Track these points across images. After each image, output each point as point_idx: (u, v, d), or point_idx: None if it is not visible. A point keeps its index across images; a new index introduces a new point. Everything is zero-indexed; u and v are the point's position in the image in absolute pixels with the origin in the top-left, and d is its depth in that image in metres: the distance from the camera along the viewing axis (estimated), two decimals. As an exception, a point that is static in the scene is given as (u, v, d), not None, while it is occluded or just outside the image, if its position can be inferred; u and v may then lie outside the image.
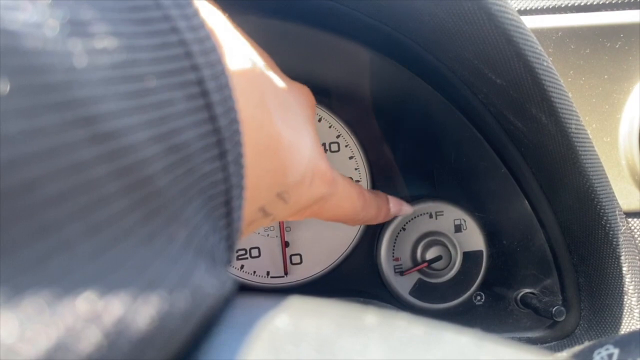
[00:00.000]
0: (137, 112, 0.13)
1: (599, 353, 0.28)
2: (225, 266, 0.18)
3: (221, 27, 0.22)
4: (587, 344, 0.30)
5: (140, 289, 0.12)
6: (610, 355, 0.28)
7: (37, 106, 0.10)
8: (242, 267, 0.53)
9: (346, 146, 0.53)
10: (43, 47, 0.11)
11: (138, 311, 0.12)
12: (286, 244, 0.54)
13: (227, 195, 0.19)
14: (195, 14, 0.17)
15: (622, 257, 0.43)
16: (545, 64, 0.36)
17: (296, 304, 0.16)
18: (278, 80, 0.26)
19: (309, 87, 0.34)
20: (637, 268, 0.43)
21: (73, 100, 0.11)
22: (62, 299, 0.10)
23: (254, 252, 0.54)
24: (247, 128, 0.19)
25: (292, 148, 0.25)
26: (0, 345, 0.09)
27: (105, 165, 0.12)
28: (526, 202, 0.50)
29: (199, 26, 0.17)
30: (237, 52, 0.22)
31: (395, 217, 0.52)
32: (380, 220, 0.45)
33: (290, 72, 0.32)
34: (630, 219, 0.47)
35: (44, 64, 0.11)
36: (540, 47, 0.36)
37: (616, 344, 0.28)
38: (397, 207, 0.47)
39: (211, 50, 0.17)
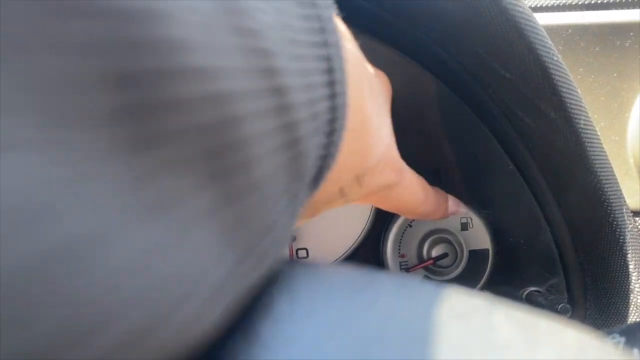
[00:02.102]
0: (295, 73, 0.14)
1: (606, 341, 0.28)
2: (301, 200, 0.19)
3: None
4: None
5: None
6: (617, 343, 0.28)
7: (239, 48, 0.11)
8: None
9: (354, 142, 0.53)
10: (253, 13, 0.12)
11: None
12: (293, 238, 0.54)
13: (322, 162, 0.19)
14: None
15: (629, 256, 0.43)
16: (555, 58, 0.36)
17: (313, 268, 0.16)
18: (370, 67, 0.27)
19: None
20: (643, 266, 0.43)
21: (262, 49, 0.12)
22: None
23: (261, 246, 0.54)
24: (348, 106, 0.20)
25: (375, 132, 0.26)
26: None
27: (273, 119, 0.13)
28: (533, 199, 0.50)
29: (330, 5, 0.18)
30: (345, 32, 0.23)
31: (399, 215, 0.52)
32: (437, 216, 0.46)
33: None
34: (637, 218, 0.47)
35: (250, 25, 0.12)
36: (550, 42, 0.36)
37: (622, 333, 0.28)
38: (455, 206, 0.48)
39: (336, 30, 0.18)
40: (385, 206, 0.37)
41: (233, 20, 0.12)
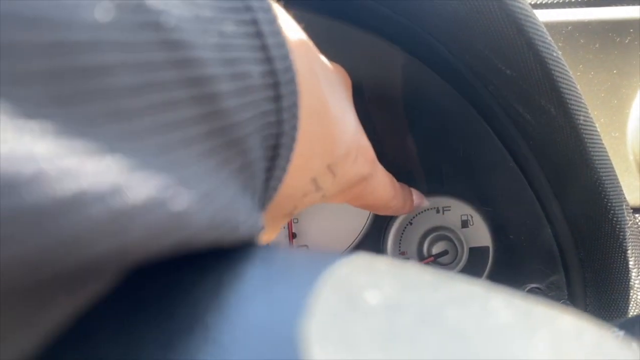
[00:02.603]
0: (202, 34, 0.14)
1: (605, 335, 0.28)
2: (260, 211, 0.19)
3: None
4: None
5: (199, 194, 0.12)
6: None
7: (110, 2, 0.11)
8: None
9: (355, 139, 0.54)
10: None
11: (196, 214, 0.12)
12: (293, 236, 0.54)
13: (277, 140, 0.19)
14: None
15: (629, 252, 0.43)
16: (555, 54, 0.36)
17: (314, 254, 0.16)
18: (324, 58, 0.27)
19: None
20: (643, 263, 0.43)
21: (142, 4, 0.12)
22: (138, 171, 0.11)
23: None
24: (300, 86, 0.20)
25: (338, 119, 0.26)
26: (87, 191, 0.10)
27: (174, 71, 0.13)
28: (533, 196, 0.50)
29: None
30: (285, 17, 0.22)
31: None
32: (404, 211, 0.46)
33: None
34: (637, 215, 0.47)
35: None
36: (550, 38, 0.36)
37: (621, 327, 0.28)
38: (419, 199, 0.48)
39: (263, 8, 0.18)
40: (360, 202, 0.37)
41: (139, 17, 0.12)
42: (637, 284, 0.43)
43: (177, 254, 0.13)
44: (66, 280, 0.10)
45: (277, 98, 0.18)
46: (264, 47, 0.17)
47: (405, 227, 0.54)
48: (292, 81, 0.19)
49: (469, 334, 0.12)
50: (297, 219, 0.54)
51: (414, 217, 0.54)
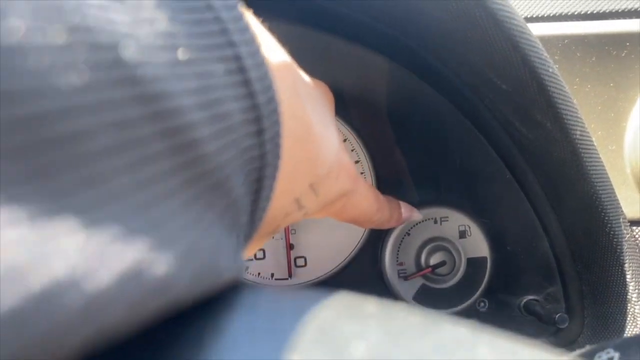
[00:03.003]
0: (181, 79, 0.14)
1: (600, 357, 0.28)
2: (243, 249, 0.19)
3: (249, 15, 0.22)
4: (588, 347, 0.30)
5: (181, 252, 0.12)
6: (610, 359, 0.28)
7: (85, 62, 0.11)
8: (246, 268, 0.54)
9: (352, 150, 0.54)
10: (88, 10, 0.11)
11: (177, 276, 0.12)
12: (291, 247, 0.54)
13: (260, 173, 0.19)
14: None
15: (626, 265, 0.43)
16: (550, 70, 0.36)
17: (301, 295, 0.16)
18: (304, 74, 0.26)
19: None
20: (641, 276, 0.43)
21: (118, 60, 0.12)
22: (114, 243, 0.11)
23: (259, 254, 0.54)
24: (283, 112, 0.20)
25: (321, 139, 0.26)
26: (61, 280, 0.09)
27: (151, 125, 0.12)
28: (530, 208, 0.50)
29: (232, 6, 0.17)
30: (267, 41, 0.22)
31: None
32: (391, 224, 0.46)
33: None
34: (634, 227, 0.47)
35: (90, 25, 0.11)
36: (545, 54, 0.36)
37: (617, 348, 0.28)
38: (408, 212, 0.48)
39: (245, 29, 0.18)
40: (343, 217, 0.37)
41: (114, 74, 0.12)
42: (635, 297, 0.43)
43: (160, 319, 0.13)
44: None
45: (259, 132, 0.18)
46: (246, 82, 0.17)
47: (403, 238, 0.54)
48: (274, 112, 0.19)
49: (454, 384, 0.12)
50: (295, 230, 0.54)
51: (411, 228, 0.54)
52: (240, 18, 0.18)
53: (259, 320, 0.14)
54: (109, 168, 0.11)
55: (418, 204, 0.54)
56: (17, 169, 0.09)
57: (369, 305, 0.15)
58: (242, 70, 0.17)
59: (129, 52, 0.12)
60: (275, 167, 0.20)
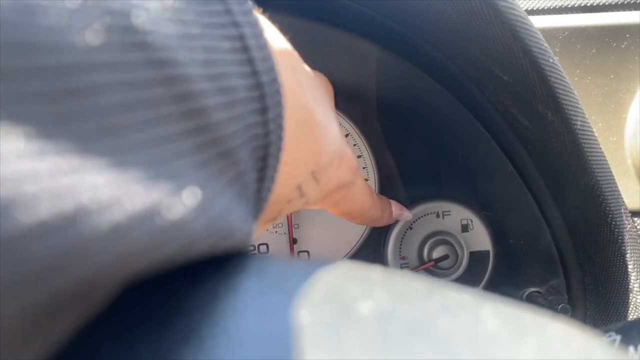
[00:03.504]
0: (189, 50, 0.14)
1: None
2: (252, 218, 0.19)
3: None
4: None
5: (194, 204, 0.13)
6: (612, 342, 0.28)
7: (99, 25, 0.12)
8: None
9: (354, 145, 0.54)
10: None
11: (193, 223, 0.13)
12: (294, 241, 0.54)
13: (265, 151, 0.19)
14: None
15: (628, 256, 0.43)
16: (550, 60, 0.37)
17: (308, 261, 0.17)
18: (306, 67, 0.27)
19: None
20: (642, 266, 0.43)
21: (129, 26, 0.12)
22: (137, 183, 0.11)
23: (262, 249, 0.54)
24: (286, 96, 0.20)
25: (324, 127, 0.26)
26: (88, 205, 0.10)
27: (162, 88, 0.13)
28: (532, 200, 0.50)
29: None
30: (269, 29, 0.23)
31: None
32: (383, 222, 0.46)
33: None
34: (635, 218, 0.47)
35: None
36: (546, 44, 0.36)
37: (618, 331, 0.29)
38: (398, 211, 0.49)
39: (249, 11, 0.18)
40: (340, 209, 0.38)
41: (127, 38, 0.12)
42: (637, 287, 0.43)
43: (174, 265, 0.13)
44: (68, 295, 0.11)
45: (263, 110, 0.18)
46: (250, 61, 0.17)
47: (405, 232, 0.54)
48: (277, 93, 0.19)
49: (458, 342, 0.13)
50: (298, 224, 0.54)
51: (414, 222, 0.54)
52: (244, 1, 0.18)
53: (270, 280, 0.14)
54: (124, 122, 0.12)
55: (420, 198, 0.54)
56: (46, 111, 0.10)
57: (374, 272, 0.15)
58: (245, 49, 0.17)
59: (140, 19, 0.13)
60: (279, 148, 0.21)
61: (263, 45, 0.19)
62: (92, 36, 0.11)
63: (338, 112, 0.53)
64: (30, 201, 0.09)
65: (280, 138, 0.20)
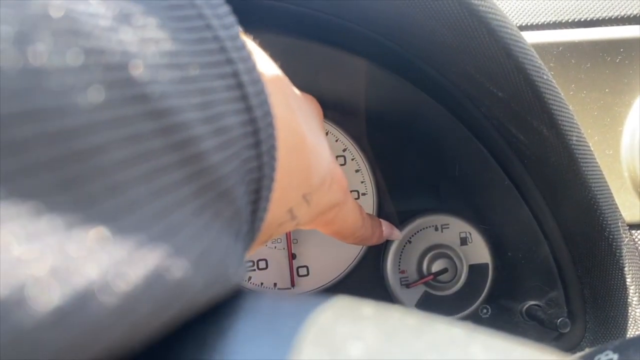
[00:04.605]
0: (186, 95, 0.15)
1: (599, 358, 0.29)
2: (245, 256, 0.19)
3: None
4: (587, 350, 0.30)
5: (194, 258, 0.13)
6: (609, 361, 0.28)
7: (99, 82, 0.12)
8: (249, 278, 0.54)
9: (352, 160, 0.54)
10: (100, 33, 0.12)
11: (192, 279, 0.13)
12: (293, 256, 0.55)
13: (258, 184, 0.20)
14: (226, 14, 0.18)
15: (626, 269, 0.43)
16: (545, 77, 0.37)
17: (300, 299, 0.17)
18: (295, 88, 0.27)
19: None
20: (641, 279, 0.43)
21: (129, 79, 0.13)
22: (137, 249, 0.12)
23: (262, 264, 0.54)
24: (277, 125, 0.21)
25: (314, 149, 0.27)
26: (96, 281, 0.10)
27: (161, 139, 0.13)
28: (530, 214, 0.50)
29: (230, 25, 0.18)
30: (260, 56, 0.23)
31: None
32: (373, 242, 0.47)
33: (297, 86, 0.33)
34: (633, 231, 0.47)
35: (103, 47, 0.12)
36: (539, 61, 0.37)
37: (615, 349, 0.29)
38: (388, 230, 0.49)
39: (242, 46, 0.18)
40: (331, 228, 0.38)
41: (127, 92, 0.12)
42: (635, 300, 0.43)
43: (176, 325, 0.13)
44: None
45: (257, 144, 0.19)
46: (244, 97, 0.18)
47: (404, 246, 0.54)
48: (270, 125, 0.20)
49: (447, 382, 0.13)
50: (297, 239, 0.55)
51: (413, 236, 0.54)
52: (237, 36, 0.18)
53: (260, 322, 0.14)
54: (126, 179, 0.12)
55: (418, 212, 0.55)
56: (52, 179, 0.10)
57: (366, 308, 0.15)
58: (240, 85, 0.18)
59: (138, 71, 0.13)
60: (271, 179, 0.21)
61: (256, 80, 0.19)
62: (95, 95, 0.12)
63: (336, 127, 0.53)
64: (44, 286, 0.09)
65: (272, 169, 0.21)
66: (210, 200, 0.15)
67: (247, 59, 0.19)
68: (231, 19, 0.19)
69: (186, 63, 0.15)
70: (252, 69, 0.19)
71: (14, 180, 0.10)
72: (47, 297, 0.09)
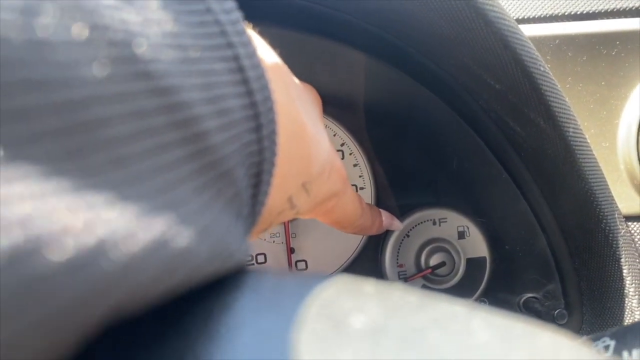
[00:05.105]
0: (188, 75, 0.15)
1: (597, 345, 0.29)
2: (247, 237, 0.20)
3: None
4: (584, 337, 0.30)
5: (198, 230, 0.13)
6: (607, 347, 0.28)
7: (104, 57, 0.12)
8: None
9: (350, 154, 0.54)
10: (104, 11, 0.12)
11: (196, 248, 0.13)
12: (292, 250, 0.55)
13: (259, 168, 0.20)
14: None
15: (622, 260, 0.43)
16: (542, 68, 0.37)
17: (302, 277, 0.17)
18: (295, 79, 0.28)
19: None
20: (637, 271, 0.44)
21: (133, 56, 0.13)
22: (144, 216, 0.12)
23: (260, 259, 0.54)
24: (278, 112, 0.21)
25: (314, 138, 0.27)
26: (106, 240, 0.11)
27: (164, 116, 0.14)
28: (527, 207, 0.51)
29: (230, 9, 0.18)
30: (260, 44, 0.23)
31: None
32: (373, 231, 0.47)
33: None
34: (629, 223, 0.48)
35: (107, 23, 0.12)
36: (536, 53, 0.37)
37: (612, 336, 0.29)
38: (388, 220, 0.49)
39: (242, 31, 0.19)
40: (330, 218, 0.38)
41: (131, 68, 0.13)
42: (632, 291, 0.44)
43: (180, 291, 0.14)
44: (89, 327, 0.11)
45: (257, 128, 0.19)
46: (244, 81, 0.18)
47: (402, 240, 0.55)
48: (270, 110, 0.20)
49: (449, 354, 0.13)
50: (295, 234, 0.55)
51: (411, 230, 0.55)
52: (237, 21, 0.19)
53: (264, 297, 0.14)
54: (129, 153, 0.12)
55: (416, 205, 0.55)
56: (58, 148, 0.11)
57: (368, 285, 0.16)
58: (240, 69, 0.18)
59: (142, 49, 0.13)
60: (272, 163, 0.21)
61: (256, 64, 0.19)
62: (99, 69, 0.12)
63: (334, 121, 0.53)
64: (58, 239, 0.10)
65: (273, 154, 0.21)
66: (212, 179, 0.16)
67: (248, 43, 0.19)
68: (231, 4, 0.19)
69: (188, 44, 0.15)
70: (252, 53, 0.19)
71: (21, 146, 0.10)
72: (61, 249, 0.10)
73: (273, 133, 0.20)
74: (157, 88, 0.13)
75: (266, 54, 0.24)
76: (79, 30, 0.12)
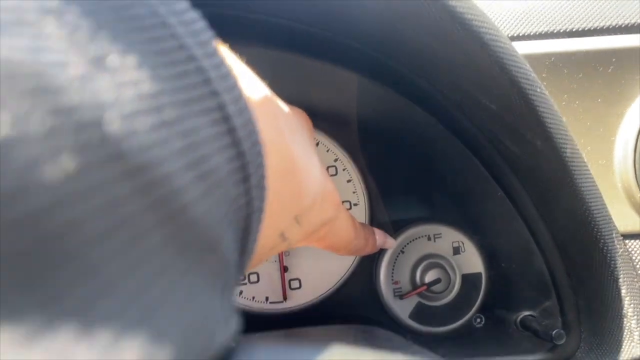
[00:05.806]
0: (167, 142, 0.13)
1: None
2: (233, 297, 0.19)
3: (226, 53, 0.22)
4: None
5: (177, 337, 0.12)
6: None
7: (69, 147, 0.10)
8: (240, 292, 0.53)
9: (344, 170, 0.53)
10: (70, 86, 0.11)
11: (184, 354, 0.12)
12: (285, 269, 0.54)
13: (246, 221, 0.19)
14: (209, 40, 0.17)
15: (621, 280, 0.43)
16: (538, 90, 0.36)
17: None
18: (283, 104, 0.26)
19: (306, 112, 0.35)
20: (635, 290, 0.43)
21: (103, 137, 0.11)
22: (114, 345, 0.10)
23: (253, 278, 0.53)
24: (267, 151, 0.20)
25: (305, 169, 0.26)
26: None
27: (140, 199, 0.12)
28: (524, 225, 0.50)
29: (213, 52, 0.17)
30: (247, 77, 0.22)
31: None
32: (367, 251, 0.46)
33: (287, 99, 0.32)
34: (627, 241, 0.47)
35: (72, 104, 0.11)
36: (533, 74, 0.36)
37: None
38: (382, 239, 0.48)
39: (227, 75, 0.17)
40: (324, 243, 0.37)
41: (101, 152, 0.11)
42: (630, 311, 0.43)
43: None
44: None
45: (245, 179, 0.18)
46: (230, 131, 0.17)
47: (397, 256, 0.54)
48: (259, 154, 0.19)
49: None
50: (289, 252, 0.54)
51: (405, 246, 0.54)
52: (221, 64, 0.17)
53: None
54: (100, 255, 0.11)
55: (410, 222, 0.54)
56: (12, 281, 0.09)
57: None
58: (226, 119, 0.17)
59: (114, 125, 0.12)
60: (262, 210, 0.20)
61: (243, 109, 0.18)
62: (63, 164, 0.10)
63: (327, 137, 0.52)
64: None
65: (262, 200, 0.20)
66: (194, 256, 0.14)
67: (233, 87, 0.17)
68: (214, 45, 0.17)
69: (167, 103, 0.14)
70: (238, 98, 0.17)
71: None
72: None
73: (262, 179, 0.19)
74: (132, 168, 0.12)
75: (253, 88, 0.22)
76: (41, 120, 0.10)
